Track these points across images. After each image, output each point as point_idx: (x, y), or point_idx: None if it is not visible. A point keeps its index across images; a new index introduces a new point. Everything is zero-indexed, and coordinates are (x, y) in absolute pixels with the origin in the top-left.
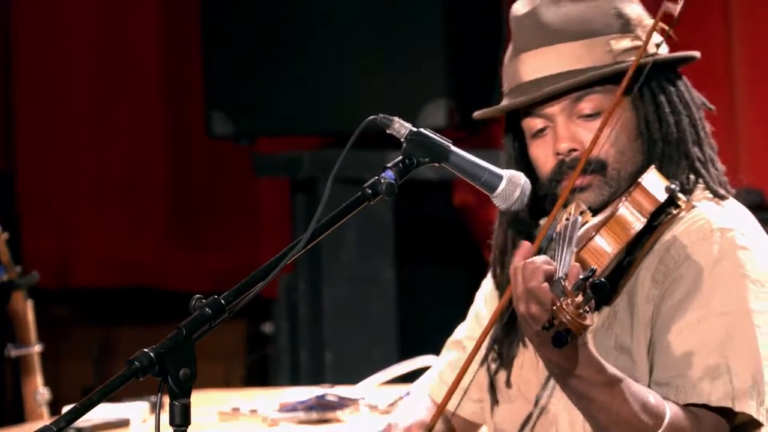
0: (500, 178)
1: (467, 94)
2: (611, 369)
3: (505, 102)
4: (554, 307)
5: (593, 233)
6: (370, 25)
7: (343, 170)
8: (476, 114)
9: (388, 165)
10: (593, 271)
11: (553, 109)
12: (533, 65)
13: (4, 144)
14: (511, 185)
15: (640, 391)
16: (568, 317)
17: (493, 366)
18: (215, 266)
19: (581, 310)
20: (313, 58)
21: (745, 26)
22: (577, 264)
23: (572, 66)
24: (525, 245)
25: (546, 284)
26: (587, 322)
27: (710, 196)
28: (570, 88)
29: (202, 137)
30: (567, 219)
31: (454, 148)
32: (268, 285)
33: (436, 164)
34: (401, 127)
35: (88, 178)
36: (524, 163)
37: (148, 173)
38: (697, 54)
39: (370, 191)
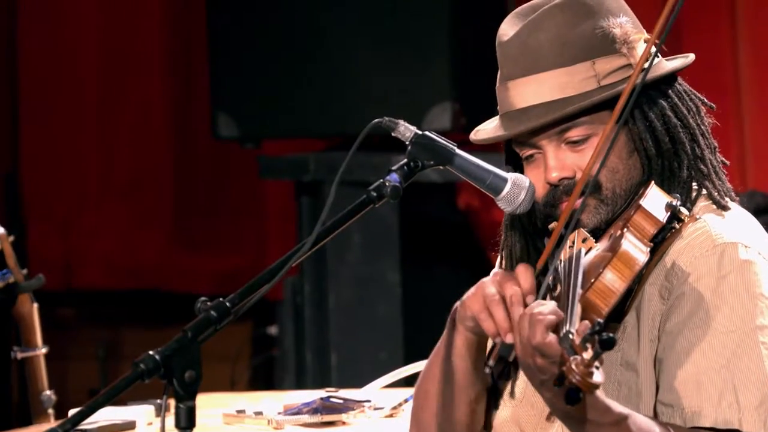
0: (505, 181)
1: (472, 98)
2: (617, 408)
3: (496, 127)
4: (563, 368)
5: (599, 270)
6: (375, 27)
7: (349, 173)
8: (471, 138)
9: (393, 168)
10: (600, 325)
11: (541, 140)
12: (519, 94)
13: (8, 146)
14: (516, 188)
15: (645, 424)
16: (579, 378)
17: (497, 369)
18: (220, 269)
19: (591, 369)
20: (319, 61)
21: (752, 31)
22: (586, 322)
23: (556, 95)
24: (527, 276)
25: (553, 338)
26: (596, 380)
27: (713, 206)
28: (549, 123)
29: (208, 139)
30: (570, 246)
31: (458, 151)
32: (273, 287)
33: (441, 167)
34: (406, 130)
35: (93, 181)
36: None
37: (154, 175)
38: (689, 60)
39: (375, 194)
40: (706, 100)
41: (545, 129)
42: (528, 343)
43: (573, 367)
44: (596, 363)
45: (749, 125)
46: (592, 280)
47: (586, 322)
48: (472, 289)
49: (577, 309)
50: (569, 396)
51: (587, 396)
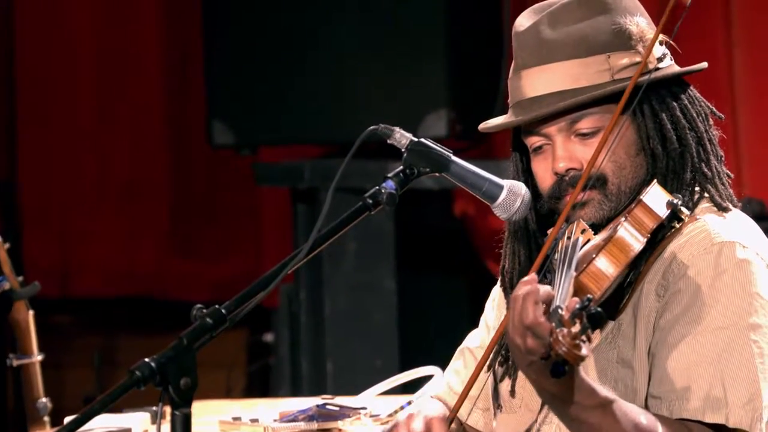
0: (501, 188)
1: (468, 105)
2: (602, 391)
3: (507, 117)
4: (551, 339)
5: (594, 255)
6: (371, 35)
7: (344, 180)
8: (480, 127)
9: (389, 175)
10: (589, 300)
11: (550, 129)
12: (532, 83)
13: (5, 154)
14: (512, 195)
15: (632, 411)
16: (565, 349)
17: (500, 371)
18: (216, 276)
19: (577, 341)
20: (315, 68)
21: (747, 37)
22: (576, 298)
23: (568, 85)
24: (530, 277)
25: (544, 318)
26: (583, 353)
27: (714, 208)
28: (561, 110)
29: (204, 147)
30: (569, 238)
31: (454, 158)
32: (269, 294)
33: (437, 174)
34: (402, 137)
35: (90, 188)
36: (529, 177)
37: (150, 183)
38: (701, 65)
39: (370, 201)
40: (715, 110)
41: (555, 118)
42: (520, 323)
43: (560, 338)
44: (584, 337)
45: (744, 133)
46: (585, 264)
47: (576, 298)
48: (389, 425)
49: (570, 289)
50: (555, 369)
51: (574, 377)
